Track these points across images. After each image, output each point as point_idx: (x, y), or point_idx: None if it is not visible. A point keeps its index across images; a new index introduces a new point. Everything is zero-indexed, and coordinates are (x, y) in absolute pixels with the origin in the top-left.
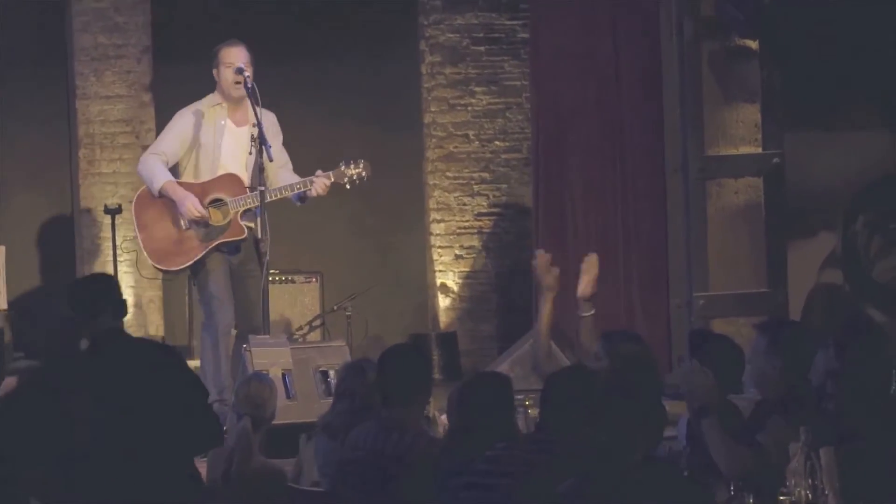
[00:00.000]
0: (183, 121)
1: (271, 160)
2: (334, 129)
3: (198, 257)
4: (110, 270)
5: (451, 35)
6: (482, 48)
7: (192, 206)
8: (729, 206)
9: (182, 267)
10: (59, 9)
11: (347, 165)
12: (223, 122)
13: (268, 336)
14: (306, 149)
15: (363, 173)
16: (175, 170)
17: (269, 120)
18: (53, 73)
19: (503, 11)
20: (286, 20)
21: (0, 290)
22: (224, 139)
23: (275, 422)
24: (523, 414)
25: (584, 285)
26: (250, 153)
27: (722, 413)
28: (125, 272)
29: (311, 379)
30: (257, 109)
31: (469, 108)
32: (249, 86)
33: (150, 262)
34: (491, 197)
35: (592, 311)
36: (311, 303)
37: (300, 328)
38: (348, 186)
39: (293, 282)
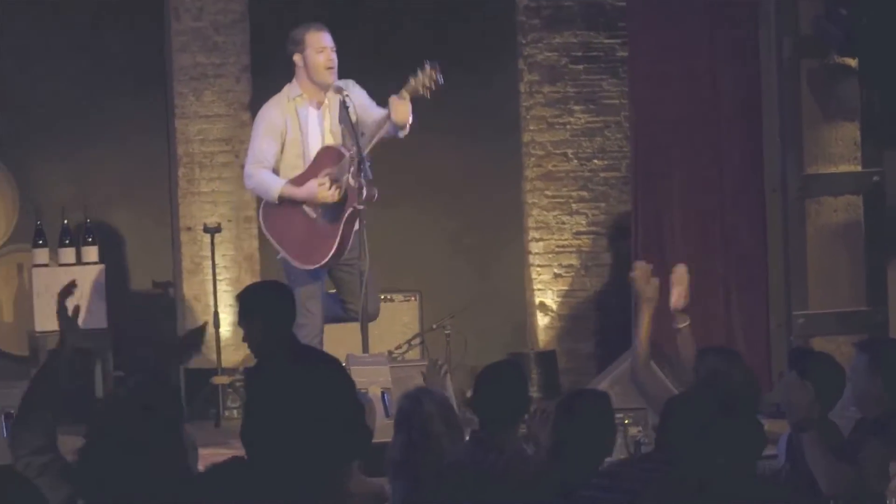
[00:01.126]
0: (267, 120)
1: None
2: (432, 148)
3: (338, 240)
4: (209, 290)
5: (550, 54)
6: (580, 67)
7: (324, 194)
8: (828, 225)
9: (329, 256)
10: (158, 29)
11: (415, 75)
12: (305, 113)
13: (367, 354)
14: (404, 167)
15: (436, 75)
16: None
17: (349, 87)
18: (153, 93)
19: (601, 30)
20: (385, 39)
21: (100, 308)
22: (309, 130)
23: (374, 440)
24: (622, 432)
25: (677, 297)
26: (340, 122)
27: (822, 431)
28: (224, 291)
29: None
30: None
31: (568, 127)
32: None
33: (302, 267)
34: (590, 215)
35: (687, 323)
36: (411, 321)
37: (399, 346)
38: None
39: (392, 301)
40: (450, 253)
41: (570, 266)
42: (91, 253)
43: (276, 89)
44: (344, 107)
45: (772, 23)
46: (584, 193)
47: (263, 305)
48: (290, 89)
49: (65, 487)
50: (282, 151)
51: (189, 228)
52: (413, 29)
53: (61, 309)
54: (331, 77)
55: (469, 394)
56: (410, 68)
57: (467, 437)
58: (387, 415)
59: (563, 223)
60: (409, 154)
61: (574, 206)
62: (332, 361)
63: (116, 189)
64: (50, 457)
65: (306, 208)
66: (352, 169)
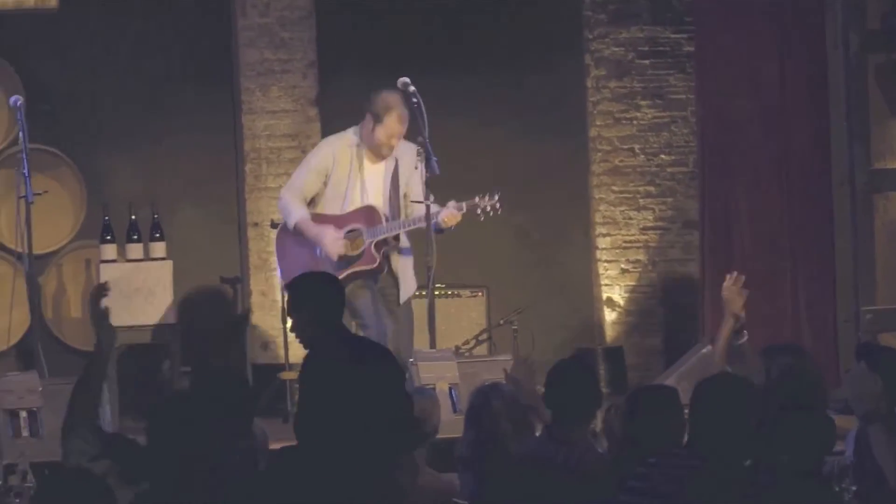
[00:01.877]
0: (318, 158)
1: (424, 191)
2: (498, 144)
3: None
4: (276, 284)
5: (617, 49)
6: (647, 62)
7: (332, 247)
8: None
9: None
10: (225, 24)
11: (482, 198)
12: (359, 163)
13: (434, 350)
14: (471, 162)
15: (497, 205)
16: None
17: (410, 153)
18: (219, 89)
19: (668, 25)
20: (451, 34)
21: (168, 304)
22: (357, 177)
23: (442, 436)
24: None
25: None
26: (416, 167)
27: (890, 425)
28: None
29: None
30: (432, 159)
31: (634, 122)
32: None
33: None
34: (657, 210)
35: (745, 339)
36: (478, 317)
37: (466, 342)
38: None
39: (459, 296)
40: (517, 248)
41: (638, 261)
42: (159, 248)
43: (342, 85)
44: (420, 158)
45: (838, 17)
46: (651, 189)
47: (313, 296)
48: (353, 136)
49: (127, 491)
50: (325, 186)
51: (256, 224)
52: (480, 23)
53: (95, 311)
54: (387, 153)
55: (540, 389)
56: (477, 67)
57: (538, 433)
58: (454, 410)
59: (631, 218)
60: (476, 149)
61: (641, 201)
62: (384, 352)
63: (184, 185)
64: (107, 463)
65: (316, 247)
66: (379, 238)
